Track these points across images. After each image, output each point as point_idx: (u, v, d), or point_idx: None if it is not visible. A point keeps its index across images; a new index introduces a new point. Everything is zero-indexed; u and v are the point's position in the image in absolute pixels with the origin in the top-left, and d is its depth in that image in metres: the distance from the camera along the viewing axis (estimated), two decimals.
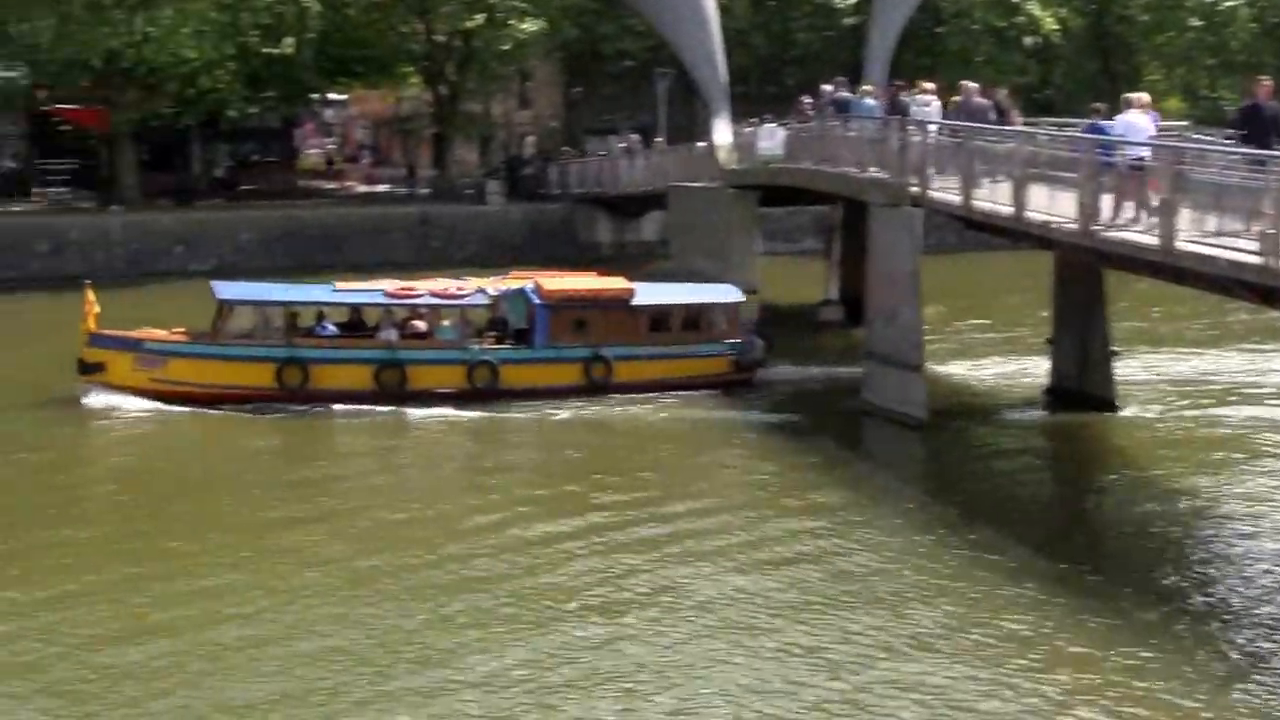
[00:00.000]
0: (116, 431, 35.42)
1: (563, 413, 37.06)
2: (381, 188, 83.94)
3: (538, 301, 39.17)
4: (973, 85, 38.21)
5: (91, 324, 37.44)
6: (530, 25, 76.28)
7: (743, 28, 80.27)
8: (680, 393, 38.77)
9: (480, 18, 75.21)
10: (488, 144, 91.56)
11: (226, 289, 39.49)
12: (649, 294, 40.89)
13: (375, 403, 37.16)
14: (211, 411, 36.44)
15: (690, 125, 73.44)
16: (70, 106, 78.11)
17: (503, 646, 21.18)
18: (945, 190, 35.37)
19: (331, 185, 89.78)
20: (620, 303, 39.77)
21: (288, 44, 73.30)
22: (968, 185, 34.00)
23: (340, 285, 40.99)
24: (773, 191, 52.47)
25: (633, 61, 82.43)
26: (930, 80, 42.92)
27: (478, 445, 35.11)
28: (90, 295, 37.62)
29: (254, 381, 37.20)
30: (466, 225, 70.90)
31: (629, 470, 31.76)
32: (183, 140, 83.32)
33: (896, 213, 36.67)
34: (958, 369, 42.16)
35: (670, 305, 40.81)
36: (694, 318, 40.66)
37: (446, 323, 39.09)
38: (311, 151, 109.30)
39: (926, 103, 39.06)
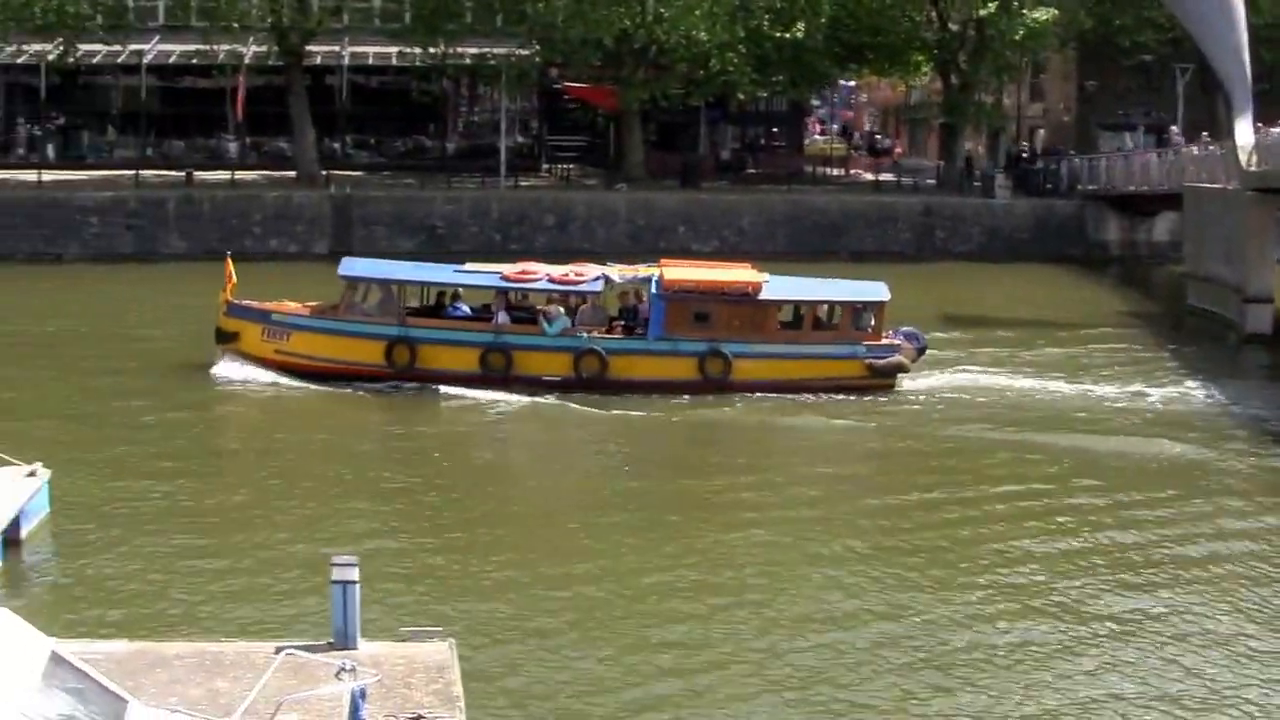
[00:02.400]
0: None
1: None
2: (888, 177, 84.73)
3: (654, 291, 38.59)
4: None
5: (229, 294, 39.06)
6: (1043, 14, 75.88)
7: (1269, 22, 78.08)
8: (806, 396, 37.86)
9: (994, 5, 75.17)
10: (996, 136, 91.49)
11: (349, 265, 40.71)
12: (780, 289, 39.68)
13: (481, 386, 37.55)
14: (317, 387, 37.89)
15: (1208, 123, 72.00)
16: (581, 85, 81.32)
17: None
18: None
19: (837, 172, 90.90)
20: (745, 296, 38.52)
21: (799, 28, 74.56)
22: None
23: (468, 267, 41.31)
24: None
25: (1150, 55, 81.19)
26: None
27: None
28: (230, 265, 39.17)
29: (365, 358, 38.18)
30: (971, 218, 71.12)
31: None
32: (690, 121, 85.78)
33: None
34: None
35: (801, 301, 39.74)
36: (829, 316, 39.51)
37: (560, 310, 38.58)
38: (817, 138, 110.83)
39: None
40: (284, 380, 38.24)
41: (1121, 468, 32.14)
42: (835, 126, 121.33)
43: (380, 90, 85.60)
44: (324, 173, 71.98)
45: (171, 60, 79.79)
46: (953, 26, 79.20)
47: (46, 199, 66.13)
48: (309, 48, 75.02)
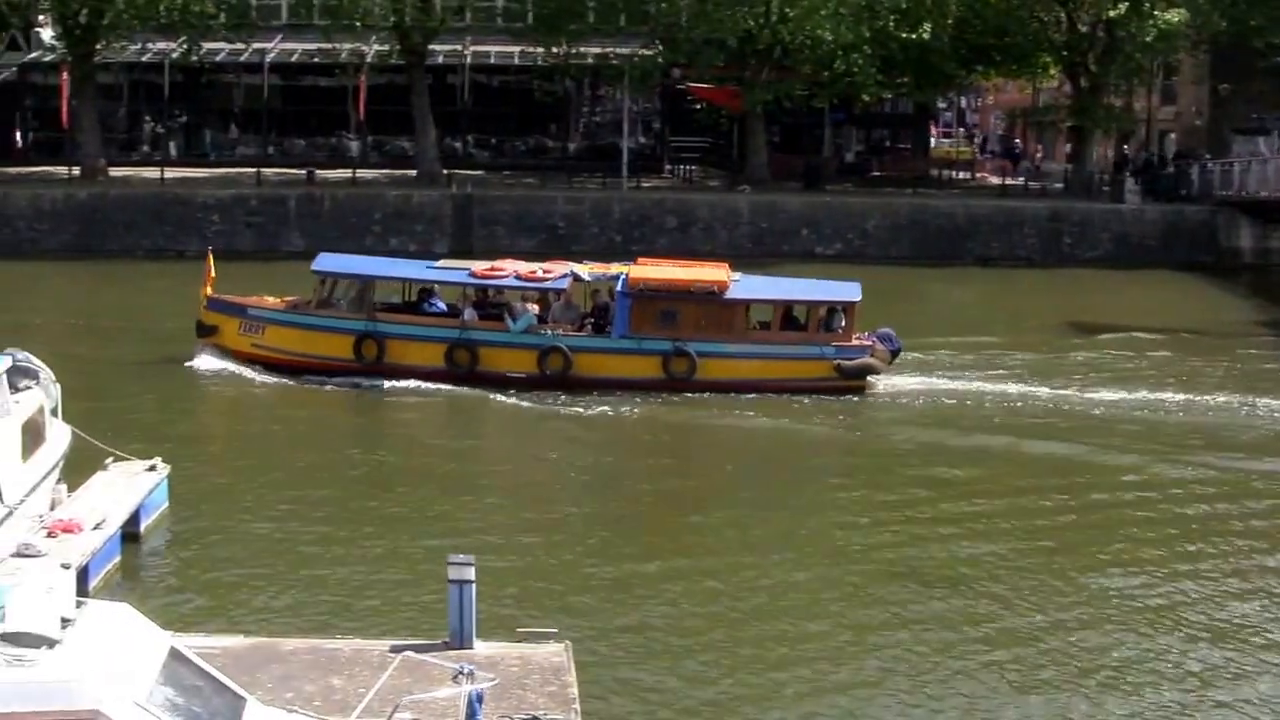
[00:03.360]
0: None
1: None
2: (1015, 181, 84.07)
3: (619, 290, 38.83)
4: None
5: (209, 289, 40.11)
6: (1175, 15, 75.00)
7: None
8: (772, 396, 37.89)
9: (1124, 6, 74.39)
10: (1126, 140, 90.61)
11: (321, 261, 41.25)
12: (749, 288, 39.96)
13: (446, 382, 38.13)
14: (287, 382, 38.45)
15: None
16: (704, 85, 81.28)
17: None
18: None
19: (963, 175, 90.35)
20: (711, 295, 38.70)
21: (925, 29, 74.15)
22: None
23: (441, 263, 41.97)
24: None
25: None
26: None
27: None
28: (210, 261, 40.22)
29: (334, 353, 38.83)
30: (1099, 224, 70.33)
31: None
32: (814, 123, 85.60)
33: None
34: None
35: (768, 301, 39.94)
36: (799, 316, 39.56)
37: (529, 306, 39.05)
38: (943, 141, 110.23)
39: None
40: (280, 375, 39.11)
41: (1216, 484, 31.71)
42: (964, 129, 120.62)
43: (502, 90, 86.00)
44: (445, 172, 72.39)
45: (294, 59, 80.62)
46: (1081, 28, 78.40)
47: (169, 196, 67.03)
48: (431, 47, 75.51)
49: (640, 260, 42.54)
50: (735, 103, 77.88)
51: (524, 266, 40.07)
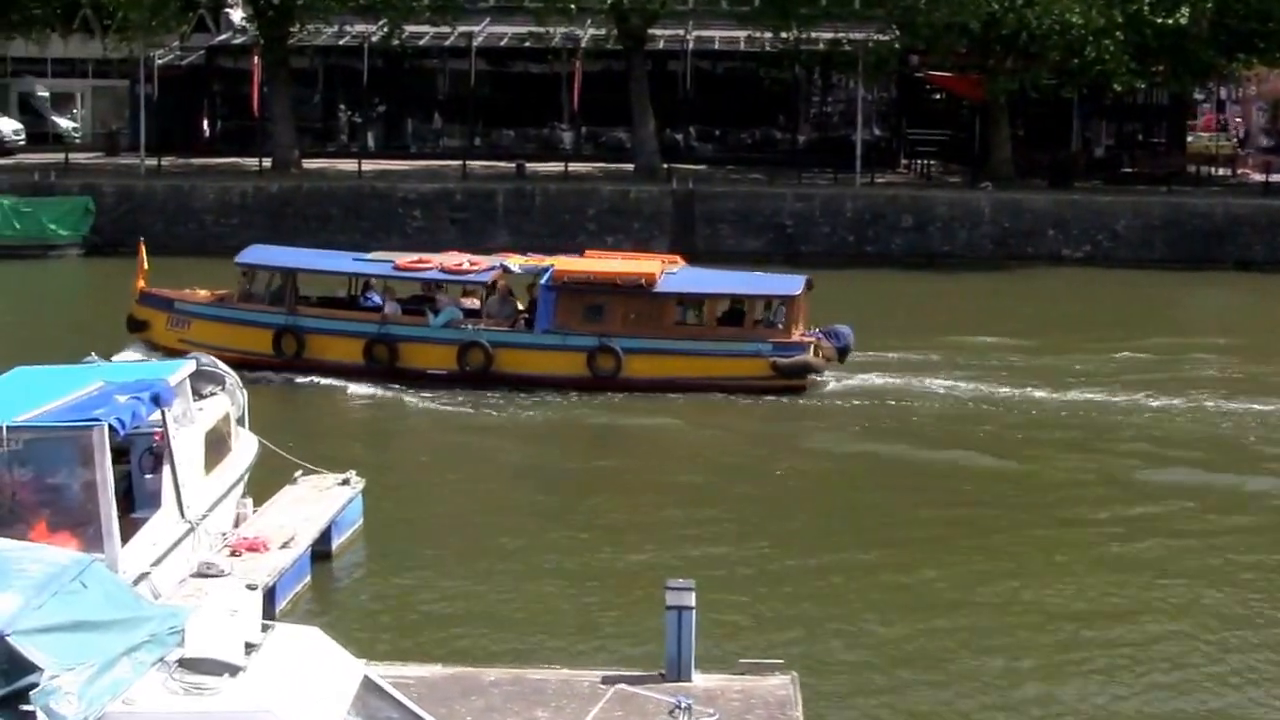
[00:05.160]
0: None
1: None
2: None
3: (543, 283, 39.11)
4: None
5: (141, 282, 41.22)
6: None
7: None
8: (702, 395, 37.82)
9: None
10: None
11: (245, 254, 42.34)
12: (682, 281, 39.84)
13: (366, 378, 38.68)
14: None
15: None
16: (944, 74, 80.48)
17: None
18: None
19: (1224, 172, 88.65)
20: (640, 289, 38.83)
21: (1182, 14, 72.80)
22: None
23: (370, 256, 42.20)
24: None
25: None
26: None
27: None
28: (143, 253, 41.53)
29: (255, 347, 39.35)
30: None
31: None
32: (1062, 114, 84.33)
33: None
34: None
35: (700, 295, 39.88)
36: (736, 311, 39.40)
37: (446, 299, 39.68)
38: (1201, 134, 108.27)
39: None
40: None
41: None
42: (1234, 121, 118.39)
43: (726, 77, 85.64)
44: (665, 165, 72.21)
45: (503, 43, 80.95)
46: None
47: (367, 190, 67.53)
48: (651, 31, 75.41)
49: (590, 252, 43.68)
50: (977, 92, 77.08)
51: (450, 259, 40.75)
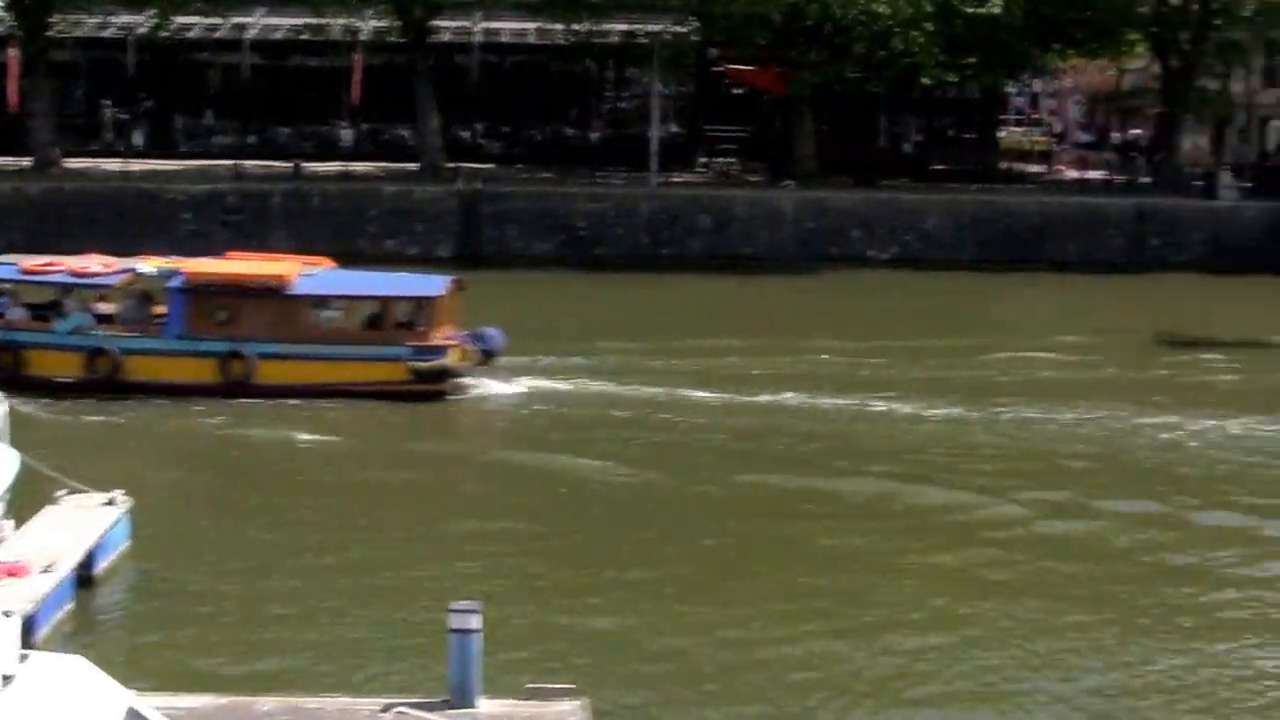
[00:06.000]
0: None
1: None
2: (1095, 174, 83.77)
3: (173, 286, 39.44)
4: None
5: None
6: None
7: None
8: (338, 401, 38.30)
9: None
10: (1223, 127, 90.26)
11: None
12: (318, 283, 40.36)
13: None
14: None
15: None
16: (744, 67, 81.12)
17: None
18: None
19: (1038, 168, 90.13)
20: (271, 291, 39.32)
21: (995, 3, 73.82)
22: None
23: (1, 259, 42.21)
24: None
25: None
26: None
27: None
28: None
29: None
30: (1191, 223, 70.09)
31: None
32: (869, 109, 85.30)
33: None
34: None
35: (335, 297, 40.45)
36: (376, 314, 40.22)
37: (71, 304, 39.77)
38: (1014, 129, 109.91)
39: None
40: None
41: None
42: (1031, 116, 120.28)
43: (516, 72, 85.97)
44: (451, 164, 72.27)
45: (278, 36, 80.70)
46: (1172, 1, 78.09)
47: (134, 191, 67.05)
48: (435, 23, 75.46)
49: (231, 253, 43.78)
50: (779, 87, 77.70)
51: (81, 262, 40.47)
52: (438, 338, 39.50)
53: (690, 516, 30.29)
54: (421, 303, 39.97)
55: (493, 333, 40.18)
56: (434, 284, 40.70)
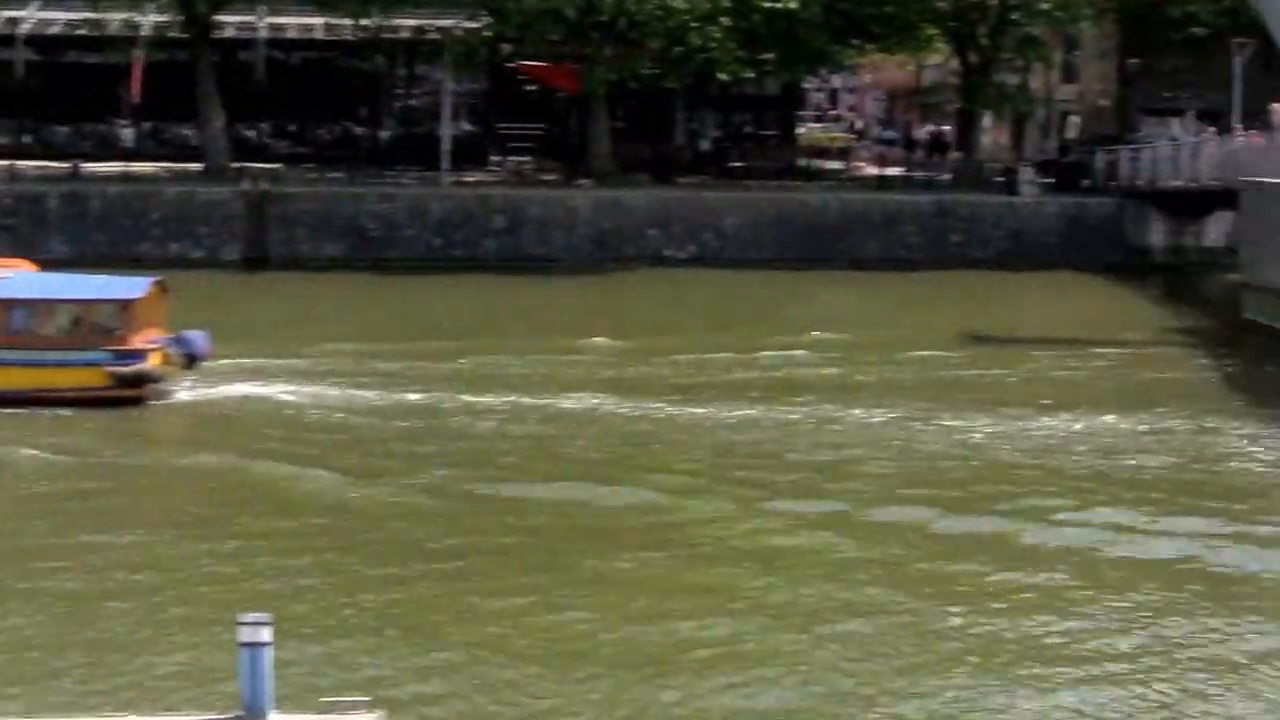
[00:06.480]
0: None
1: None
2: (895, 171, 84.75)
3: None
4: None
5: None
6: None
7: None
8: (38, 410, 37.97)
9: None
10: (1022, 123, 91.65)
11: None
12: (11, 287, 40.09)
13: None
14: None
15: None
16: (538, 64, 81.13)
17: None
18: None
19: (837, 165, 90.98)
20: None
21: None
22: None
23: None
24: None
25: (1203, 29, 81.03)
26: None
27: None
28: None
29: None
30: (992, 219, 71.14)
31: None
32: (666, 106, 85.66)
33: None
34: None
35: (30, 301, 40.01)
36: (74, 318, 39.94)
37: None
38: (813, 126, 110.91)
39: None
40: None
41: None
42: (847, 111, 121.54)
43: (303, 68, 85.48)
44: (236, 165, 71.79)
45: (54, 31, 79.66)
46: None
47: None
48: (219, 18, 74.95)
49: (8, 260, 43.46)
50: (574, 84, 77.84)
51: None
52: (137, 342, 39.04)
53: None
54: (121, 306, 39.48)
55: (196, 336, 39.78)
56: (134, 286, 40.22)
